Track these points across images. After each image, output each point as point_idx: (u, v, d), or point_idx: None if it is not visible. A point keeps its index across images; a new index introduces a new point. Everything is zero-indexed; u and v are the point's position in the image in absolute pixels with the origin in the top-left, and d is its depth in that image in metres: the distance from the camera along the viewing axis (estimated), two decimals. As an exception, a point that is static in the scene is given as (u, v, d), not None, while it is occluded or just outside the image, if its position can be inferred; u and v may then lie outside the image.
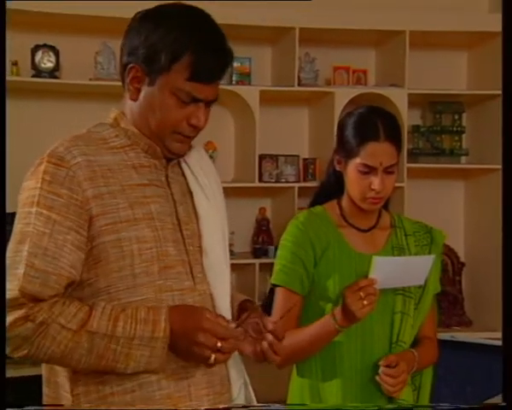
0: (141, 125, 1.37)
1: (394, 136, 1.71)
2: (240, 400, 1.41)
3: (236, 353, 1.39)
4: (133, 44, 1.34)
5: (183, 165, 1.44)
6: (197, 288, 1.36)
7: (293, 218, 1.82)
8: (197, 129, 1.36)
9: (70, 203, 1.27)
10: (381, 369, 1.66)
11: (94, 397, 1.30)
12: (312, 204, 1.84)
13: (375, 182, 1.68)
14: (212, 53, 1.31)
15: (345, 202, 1.79)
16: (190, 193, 1.43)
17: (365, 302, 1.58)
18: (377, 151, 1.67)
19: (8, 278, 1.25)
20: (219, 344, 1.26)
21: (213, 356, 1.26)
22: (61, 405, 1.36)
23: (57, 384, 1.34)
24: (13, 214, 3.11)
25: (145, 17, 1.35)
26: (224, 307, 1.39)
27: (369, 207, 1.74)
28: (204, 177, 1.45)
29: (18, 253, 1.26)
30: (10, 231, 2.96)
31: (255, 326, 1.38)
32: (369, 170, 1.68)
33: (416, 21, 3.17)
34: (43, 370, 1.38)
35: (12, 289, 1.23)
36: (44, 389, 1.38)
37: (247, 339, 1.38)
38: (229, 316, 1.39)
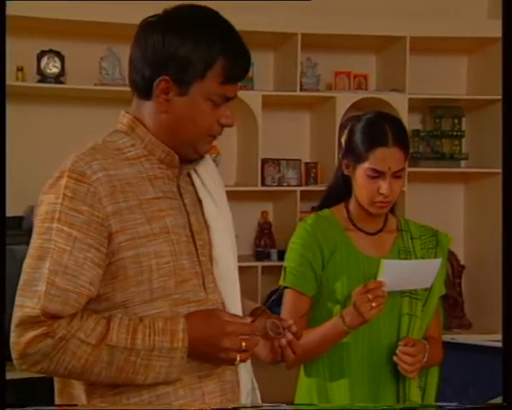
0: (163, 134, 1.35)
1: (402, 141, 1.74)
2: (248, 402, 1.43)
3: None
4: (158, 57, 1.31)
5: (193, 173, 1.44)
6: (209, 298, 1.37)
7: (301, 221, 1.86)
8: (227, 127, 1.37)
9: (91, 220, 1.26)
10: (400, 348, 1.69)
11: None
12: (320, 207, 1.87)
13: (384, 186, 1.71)
14: (240, 54, 1.34)
15: (352, 205, 1.82)
16: (200, 201, 1.43)
17: (374, 304, 1.61)
18: (386, 156, 1.71)
19: (24, 293, 1.25)
20: (244, 344, 1.28)
21: (239, 357, 1.28)
22: (75, 405, 1.36)
23: (71, 396, 1.35)
24: (13, 218, 3.10)
25: (165, 26, 1.33)
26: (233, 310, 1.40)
27: (376, 211, 1.77)
28: (212, 183, 1.46)
29: (37, 269, 1.25)
30: (11, 235, 2.97)
31: (273, 327, 1.40)
32: (377, 174, 1.72)
33: (416, 27, 3.20)
34: (56, 381, 1.38)
35: (32, 307, 1.23)
36: (56, 400, 1.38)
37: (261, 342, 1.40)
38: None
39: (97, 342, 1.24)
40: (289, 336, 1.39)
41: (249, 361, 1.43)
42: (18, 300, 1.25)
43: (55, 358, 1.23)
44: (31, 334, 1.22)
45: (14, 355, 1.25)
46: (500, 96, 3.03)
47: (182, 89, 1.31)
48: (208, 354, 1.29)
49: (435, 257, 1.81)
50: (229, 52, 1.32)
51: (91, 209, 1.26)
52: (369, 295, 1.62)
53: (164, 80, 1.31)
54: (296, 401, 1.85)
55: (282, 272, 1.81)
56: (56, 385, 1.38)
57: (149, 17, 1.38)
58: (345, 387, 1.75)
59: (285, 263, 1.82)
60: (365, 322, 1.65)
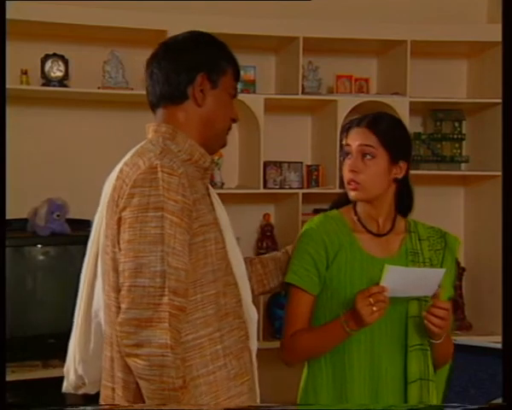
0: (205, 130, 1.58)
1: (375, 125, 1.78)
2: (255, 376, 1.66)
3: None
4: (195, 59, 1.59)
5: None
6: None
7: (309, 220, 1.88)
8: (234, 122, 1.67)
9: (184, 208, 1.45)
10: (430, 307, 1.69)
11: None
12: (331, 208, 1.90)
13: (349, 162, 1.78)
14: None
15: (360, 206, 1.84)
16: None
17: (375, 309, 1.63)
18: (355, 134, 1.79)
19: (143, 275, 1.41)
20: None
21: None
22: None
23: None
24: (18, 221, 3.13)
25: (196, 39, 1.63)
26: (247, 297, 1.63)
27: (351, 196, 1.80)
28: (212, 189, 1.68)
29: (151, 253, 1.42)
30: (16, 237, 2.97)
31: None
32: (348, 152, 1.79)
33: (417, 31, 3.22)
34: (121, 359, 1.49)
35: (156, 287, 1.40)
36: (124, 375, 1.50)
37: None
38: (250, 301, 1.64)
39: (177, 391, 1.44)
40: None
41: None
42: (136, 281, 1.42)
43: (153, 358, 1.39)
44: (155, 314, 1.39)
45: (128, 329, 1.40)
46: (500, 100, 3.08)
47: (213, 83, 1.60)
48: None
49: (443, 258, 1.82)
50: (233, 58, 1.67)
51: (183, 198, 1.46)
52: (371, 300, 1.63)
53: (201, 76, 1.58)
54: (299, 403, 1.86)
55: (288, 270, 1.84)
56: (121, 362, 1.49)
57: (167, 40, 1.65)
58: (347, 389, 1.76)
59: (290, 260, 1.85)
60: (366, 325, 1.66)
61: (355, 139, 1.78)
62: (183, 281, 1.44)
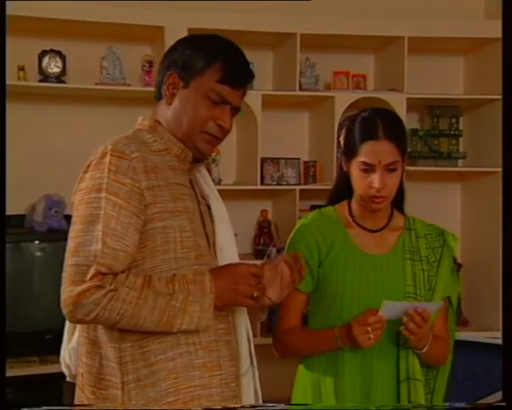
0: (175, 129, 1.55)
1: (393, 134, 1.73)
2: (248, 375, 1.61)
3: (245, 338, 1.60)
4: (171, 59, 1.56)
5: (196, 172, 1.63)
6: None
7: (302, 217, 1.88)
8: (223, 130, 1.55)
9: (132, 191, 1.44)
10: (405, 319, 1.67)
11: (140, 365, 1.47)
12: (326, 204, 1.88)
13: (375, 179, 1.71)
14: (239, 62, 1.56)
15: (354, 202, 1.82)
16: (204, 197, 1.62)
17: (371, 336, 1.64)
18: (375, 149, 1.71)
19: (78, 253, 1.40)
20: (255, 294, 1.50)
21: (255, 295, 1.50)
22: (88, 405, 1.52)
23: (101, 356, 1.50)
24: (16, 217, 3.13)
25: (179, 41, 1.60)
26: None
27: (373, 207, 1.76)
28: (211, 183, 1.67)
29: (89, 232, 1.41)
30: (14, 233, 2.96)
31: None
32: (369, 168, 1.72)
33: (414, 28, 3.23)
34: (85, 344, 1.53)
35: (88, 265, 1.39)
36: (87, 360, 1.53)
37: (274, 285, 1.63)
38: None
39: (143, 288, 1.41)
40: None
41: (251, 337, 1.62)
42: (72, 260, 1.41)
43: (108, 305, 1.39)
44: (85, 286, 1.38)
45: (68, 309, 1.40)
46: (497, 96, 3.09)
47: (184, 82, 1.54)
48: (230, 298, 1.50)
49: (441, 256, 1.82)
50: (228, 58, 1.54)
51: (132, 181, 1.45)
52: (369, 328, 1.63)
53: (171, 75, 1.55)
54: (293, 400, 1.86)
55: None
56: (86, 348, 1.52)
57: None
58: (336, 386, 1.76)
59: None
60: (361, 347, 1.67)
61: (378, 156, 1.71)
62: (121, 262, 1.41)
